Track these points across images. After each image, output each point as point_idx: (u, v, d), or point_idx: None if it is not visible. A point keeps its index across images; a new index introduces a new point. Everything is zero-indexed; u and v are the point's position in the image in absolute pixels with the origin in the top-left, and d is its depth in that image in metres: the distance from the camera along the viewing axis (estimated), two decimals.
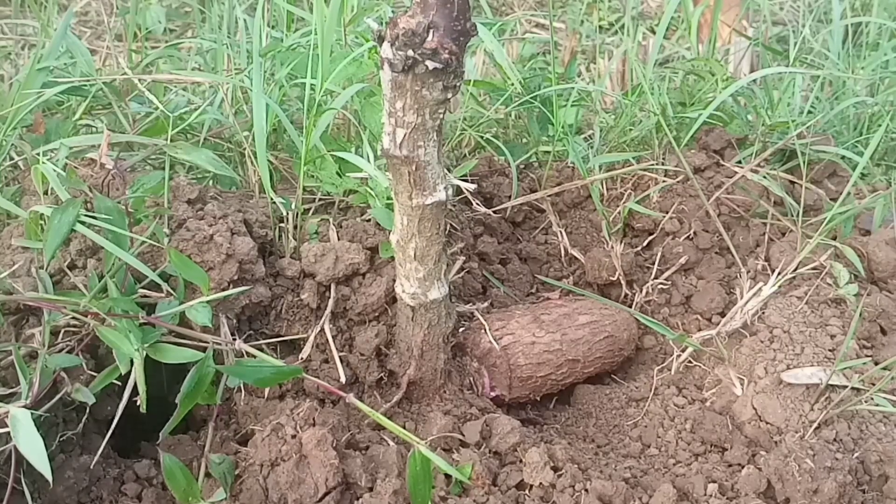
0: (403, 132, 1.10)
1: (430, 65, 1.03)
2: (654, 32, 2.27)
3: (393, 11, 1.65)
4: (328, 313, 1.38)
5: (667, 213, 1.70)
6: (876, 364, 1.42)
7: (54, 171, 1.17)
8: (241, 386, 1.28)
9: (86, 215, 1.12)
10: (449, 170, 1.57)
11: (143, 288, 1.20)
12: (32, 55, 1.57)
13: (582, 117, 1.95)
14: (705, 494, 1.22)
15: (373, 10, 1.64)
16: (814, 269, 1.53)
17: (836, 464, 1.24)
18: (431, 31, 1.02)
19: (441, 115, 1.11)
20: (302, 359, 1.33)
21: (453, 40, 1.03)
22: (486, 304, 1.53)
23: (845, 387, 1.34)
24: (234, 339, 1.24)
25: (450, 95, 1.09)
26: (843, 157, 1.72)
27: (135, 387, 1.08)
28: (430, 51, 1.02)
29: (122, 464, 1.25)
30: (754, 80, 1.80)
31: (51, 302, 1.04)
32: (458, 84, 1.08)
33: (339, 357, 1.37)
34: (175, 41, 2.17)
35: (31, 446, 0.91)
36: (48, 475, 0.89)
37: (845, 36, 2.21)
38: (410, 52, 1.03)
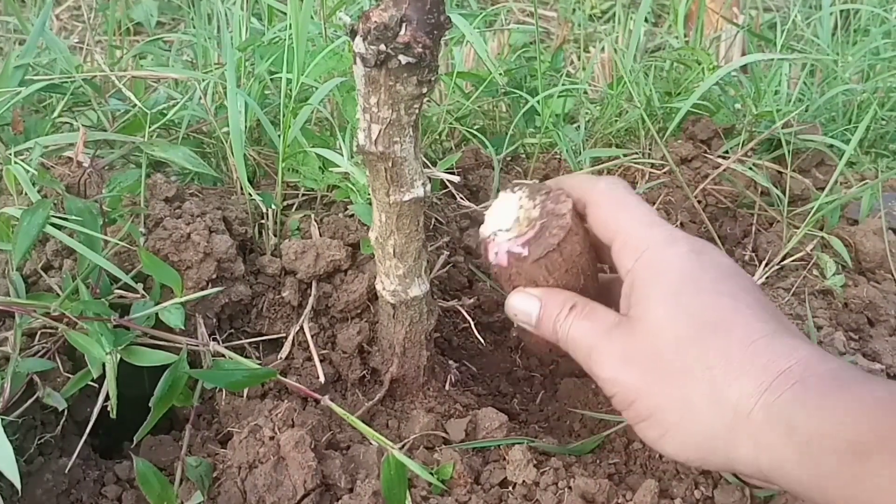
0: (378, 128, 1.08)
1: (404, 59, 1.01)
2: (646, 21, 2.25)
3: (370, 3, 1.63)
4: (308, 311, 1.36)
5: (653, 204, 1.68)
6: (864, 356, 1.40)
7: (26, 170, 1.15)
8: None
9: (58, 216, 1.10)
10: (434, 163, 1.55)
11: (119, 289, 1.19)
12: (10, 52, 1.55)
13: (574, 106, 1.92)
14: (689, 490, 1.20)
15: (353, 1, 1.62)
16: (801, 259, 1.51)
17: None
18: (404, 24, 1.00)
19: (416, 111, 1.09)
20: (281, 358, 1.32)
21: (427, 34, 1.01)
22: (471, 300, 1.51)
23: None
24: (212, 340, 1.22)
25: (425, 90, 1.07)
26: (830, 146, 1.70)
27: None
28: (402, 45, 1.00)
29: (103, 465, 1.23)
30: (742, 68, 1.78)
31: (21, 306, 1.03)
32: (432, 78, 1.06)
33: (322, 355, 1.35)
34: (157, 36, 2.15)
35: (1, 453, 0.90)
36: (17, 482, 0.88)
37: (835, 24, 2.18)
38: (383, 47, 1.00)
